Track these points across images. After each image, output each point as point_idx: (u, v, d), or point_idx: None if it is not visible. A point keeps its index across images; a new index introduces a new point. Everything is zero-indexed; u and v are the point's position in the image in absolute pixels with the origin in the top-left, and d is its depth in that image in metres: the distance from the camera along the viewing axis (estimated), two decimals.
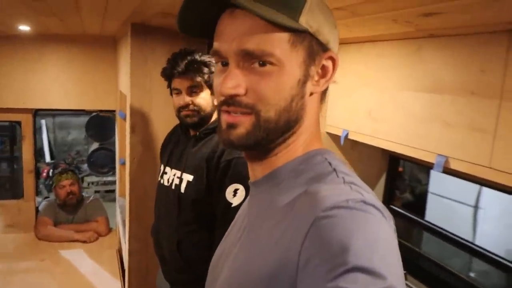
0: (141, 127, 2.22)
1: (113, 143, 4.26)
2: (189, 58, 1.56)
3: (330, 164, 0.66)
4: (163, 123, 2.21)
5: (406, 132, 1.48)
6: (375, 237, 0.51)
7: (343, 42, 1.80)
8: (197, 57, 1.57)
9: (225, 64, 0.65)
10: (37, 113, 3.27)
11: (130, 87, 2.14)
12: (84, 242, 3.11)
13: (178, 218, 1.57)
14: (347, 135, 1.82)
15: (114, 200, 3.80)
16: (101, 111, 3.60)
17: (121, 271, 2.77)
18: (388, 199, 2.26)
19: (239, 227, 0.76)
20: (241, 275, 0.64)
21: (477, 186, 4.04)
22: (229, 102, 0.63)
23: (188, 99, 1.58)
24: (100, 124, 6.30)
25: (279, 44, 0.61)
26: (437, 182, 4.46)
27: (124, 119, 2.76)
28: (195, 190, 1.53)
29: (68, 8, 1.59)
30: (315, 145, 0.70)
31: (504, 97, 1.13)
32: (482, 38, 1.19)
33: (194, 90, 1.58)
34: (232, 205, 1.41)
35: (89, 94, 3.14)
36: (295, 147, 0.68)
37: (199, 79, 1.56)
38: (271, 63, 0.61)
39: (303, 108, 0.66)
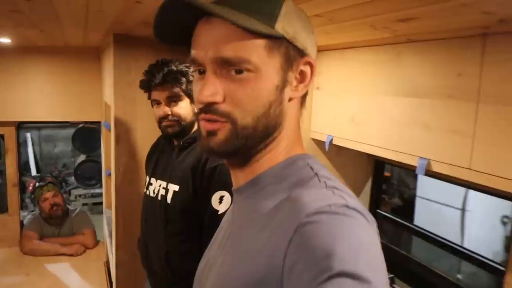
0: (126, 138, 2.21)
1: (100, 155, 4.22)
2: (165, 68, 1.56)
3: (312, 168, 0.66)
4: (148, 133, 2.20)
5: (388, 136, 1.49)
6: (359, 242, 0.51)
7: (324, 49, 1.82)
8: (173, 67, 1.57)
9: (203, 72, 0.65)
10: (21, 126, 3.24)
11: (114, 98, 2.13)
12: (71, 255, 3.07)
13: (165, 229, 1.56)
14: (331, 140, 1.83)
15: (102, 212, 3.76)
16: (86, 122, 3.57)
17: (108, 283, 2.74)
18: (375, 204, 2.27)
19: (223, 235, 0.76)
20: (227, 283, 0.64)
21: (463, 189, 4.09)
22: (206, 110, 0.63)
23: (167, 109, 1.57)
24: (87, 136, 6.24)
25: (255, 51, 0.61)
26: (425, 186, 4.51)
27: (109, 129, 2.74)
28: (181, 200, 1.52)
29: (48, 19, 1.58)
30: (296, 150, 0.70)
31: (480, 100, 1.15)
32: (458, 43, 1.21)
33: (173, 100, 1.58)
34: (219, 212, 1.41)
35: (74, 105, 3.11)
36: (276, 153, 0.68)
37: (176, 89, 1.56)
38: (248, 70, 0.61)
39: (282, 114, 0.66)
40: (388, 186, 5.19)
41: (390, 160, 1.53)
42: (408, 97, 1.40)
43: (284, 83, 0.65)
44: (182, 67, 1.59)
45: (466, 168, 1.19)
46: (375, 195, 2.25)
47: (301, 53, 0.66)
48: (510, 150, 1.07)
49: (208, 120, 0.64)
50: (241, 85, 0.62)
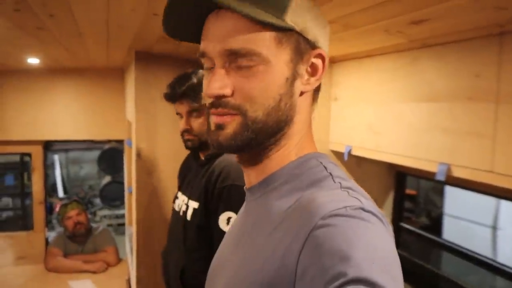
0: (147, 153, 2.24)
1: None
2: (186, 82, 1.56)
3: (325, 168, 0.65)
4: (169, 149, 2.23)
5: (407, 143, 1.47)
6: (374, 247, 0.50)
7: (341, 59, 1.83)
8: (195, 80, 1.57)
9: (212, 68, 0.64)
10: (49, 148, 3.32)
11: (135, 113, 2.18)
12: (94, 272, 3.09)
13: (184, 245, 1.55)
14: (350, 150, 1.81)
15: (125, 233, 3.80)
16: (110, 141, 3.65)
17: None
18: (398, 217, 2.21)
19: (235, 235, 0.75)
20: (239, 282, 0.63)
21: (493, 205, 3.94)
22: (215, 103, 0.63)
23: (187, 123, 1.58)
24: (112, 158, 6.36)
25: (264, 43, 0.60)
26: (453, 203, 4.38)
27: (131, 147, 2.79)
28: (199, 218, 1.50)
29: (72, 36, 1.64)
30: (309, 148, 0.69)
31: (500, 100, 1.12)
32: (473, 44, 1.20)
33: (193, 114, 1.57)
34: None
35: (99, 124, 3.19)
36: (288, 150, 0.67)
37: (196, 104, 1.55)
38: (258, 63, 0.60)
39: (293, 108, 0.65)
40: (414, 205, 5.06)
41: (410, 168, 1.50)
42: (425, 102, 1.38)
43: (294, 76, 0.64)
44: None
45: (488, 171, 1.16)
46: (397, 208, 2.20)
47: (312, 45, 0.65)
48: None
49: (218, 114, 0.64)
50: (250, 78, 0.61)
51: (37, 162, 3.24)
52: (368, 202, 0.56)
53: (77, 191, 6.91)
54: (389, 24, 1.17)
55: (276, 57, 0.61)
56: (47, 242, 3.34)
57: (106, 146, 6.22)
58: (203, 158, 1.60)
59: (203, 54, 0.65)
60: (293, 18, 0.62)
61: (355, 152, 1.79)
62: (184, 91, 1.56)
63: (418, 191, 5.04)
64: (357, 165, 2.08)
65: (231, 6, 0.58)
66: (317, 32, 0.66)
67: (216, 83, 0.62)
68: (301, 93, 0.66)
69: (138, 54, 2.12)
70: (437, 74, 1.34)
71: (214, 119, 0.64)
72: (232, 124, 0.63)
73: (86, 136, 3.23)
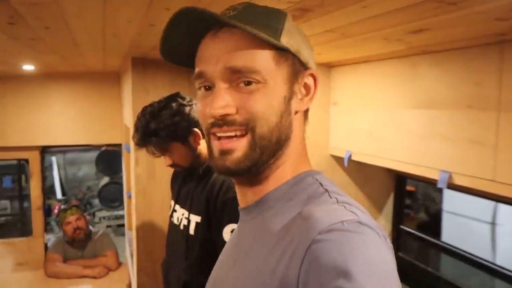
0: (145, 160, 2.22)
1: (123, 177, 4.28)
2: (140, 130, 1.52)
3: (321, 184, 0.65)
4: None
5: (407, 150, 1.46)
6: (371, 261, 0.50)
7: (338, 64, 1.81)
8: (152, 124, 1.49)
9: (209, 88, 0.64)
10: (46, 150, 3.30)
11: (133, 120, 2.16)
12: (94, 277, 3.08)
13: (185, 258, 1.53)
14: (350, 156, 1.80)
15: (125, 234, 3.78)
16: (107, 145, 3.63)
17: None
18: (397, 220, 2.21)
19: (231, 254, 0.74)
20: None
21: (492, 202, 3.95)
22: (220, 123, 0.62)
23: (167, 160, 1.55)
24: (110, 159, 6.34)
25: (265, 61, 0.62)
26: (452, 200, 4.38)
27: (130, 152, 2.77)
28: (203, 232, 1.48)
29: (67, 46, 1.63)
30: (304, 166, 0.69)
31: (502, 109, 1.11)
32: (474, 51, 1.19)
33: (163, 153, 1.54)
34: None
35: (95, 129, 3.17)
36: (285, 170, 0.67)
37: (158, 148, 1.52)
38: (257, 81, 0.61)
39: (291, 127, 0.66)
40: (413, 201, 5.06)
41: (410, 174, 1.49)
42: (425, 109, 1.37)
43: (291, 94, 0.65)
44: (158, 120, 1.50)
45: (489, 180, 1.15)
46: (397, 210, 2.20)
47: (305, 66, 0.67)
48: None
49: (220, 138, 0.63)
50: (251, 96, 0.61)
51: (34, 168, 3.22)
52: (364, 216, 0.57)
53: (75, 192, 6.89)
54: (388, 33, 1.16)
55: (275, 75, 0.63)
56: (46, 247, 3.32)
57: (104, 148, 6.19)
58: (200, 171, 1.58)
59: (201, 75, 0.64)
60: (288, 40, 0.64)
61: (355, 158, 1.78)
62: (140, 142, 1.52)
63: (416, 187, 5.05)
64: (358, 168, 2.07)
65: (237, 25, 0.59)
66: (307, 54, 0.68)
67: (220, 102, 0.61)
68: (296, 112, 0.67)
69: (134, 60, 2.10)
70: (436, 81, 1.33)
71: (218, 145, 0.64)
72: (240, 147, 0.62)
73: (83, 141, 3.21)
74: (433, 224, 4.54)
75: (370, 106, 1.66)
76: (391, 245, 0.58)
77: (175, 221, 1.63)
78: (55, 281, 3.05)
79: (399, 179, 2.19)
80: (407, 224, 2.57)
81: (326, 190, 0.63)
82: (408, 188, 4.51)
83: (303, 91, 0.68)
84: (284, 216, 0.62)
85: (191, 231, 1.51)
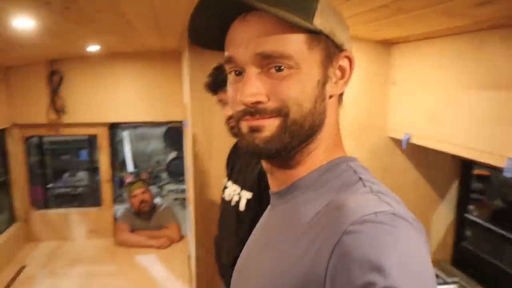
0: (203, 138, 2.27)
1: None
2: (213, 75, 1.55)
3: (355, 172, 0.63)
4: (225, 134, 2.22)
5: (470, 134, 1.34)
6: (406, 255, 0.48)
7: (398, 41, 1.70)
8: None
9: (239, 73, 0.63)
10: (118, 126, 3.47)
11: (191, 99, 2.21)
12: (158, 248, 3.25)
13: (236, 235, 1.55)
14: (409, 139, 1.70)
15: None
16: (169, 122, 3.76)
17: (190, 277, 2.85)
18: (462, 208, 2.07)
19: (260, 238, 0.75)
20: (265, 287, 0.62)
21: None
22: (251, 111, 0.61)
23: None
24: (177, 134, 6.56)
25: (296, 46, 0.59)
26: None
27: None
28: (254, 208, 1.48)
29: (123, 28, 1.68)
30: (337, 152, 0.67)
31: None
32: None
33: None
34: None
35: (158, 106, 3.30)
36: (317, 155, 0.66)
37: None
38: (289, 67, 0.59)
39: (325, 112, 0.64)
40: (487, 187, 4.72)
41: (474, 160, 1.37)
42: (493, 90, 1.24)
43: (325, 79, 0.63)
44: None
45: None
46: (462, 198, 2.05)
47: (340, 48, 0.64)
48: None
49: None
50: (283, 82, 0.59)
51: (103, 143, 3.43)
52: (400, 207, 0.54)
53: (145, 166, 7.25)
54: (449, 7, 1.06)
55: (308, 59, 0.60)
56: (115, 217, 3.56)
57: (169, 125, 6.40)
58: None
59: (231, 60, 0.63)
60: (321, 21, 0.61)
61: (414, 141, 1.68)
62: (222, 85, 1.53)
63: (491, 171, 4.69)
64: (419, 151, 1.95)
65: (266, 9, 0.56)
66: (342, 35, 0.65)
67: (251, 89, 0.60)
68: (330, 96, 0.65)
69: None
70: (506, 59, 1.19)
71: (247, 123, 0.62)
72: (270, 127, 0.61)
73: (147, 118, 3.35)
74: (511, 212, 4.21)
75: (432, 86, 1.54)
76: (426, 239, 0.55)
77: (227, 198, 1.66)
78: (123, 249, 3.27)
79: (466, 164, 2.04)
80: (478, 211, 2.40)
81: (360, 178, 0.61)
82: (480, 172, 4.21)
83: (338, 74, 0.65)
84: (315, 204, 0.61)
85: (242, 207, 1.52)
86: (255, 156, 0.65)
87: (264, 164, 0.70)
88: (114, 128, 3.58)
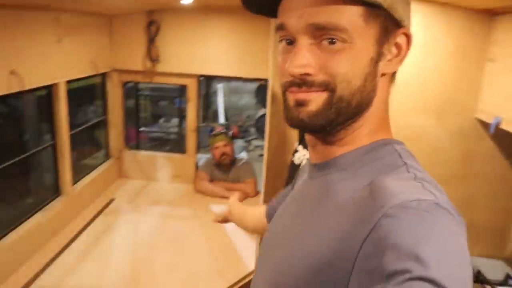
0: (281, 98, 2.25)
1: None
2: None
3: (400, 156, 0.61)
4: None
5: None
6: (445, 247, 0.47)
7: (503, 12, 1.48)
8: None
9: (290, 42, 0.61)
10: (213, 78, 3.58)
11: (272, 57, 2.19)
12: None
13: None
14: (498, 123, 1.52)
15: None
16: (256, 79, 3.79)
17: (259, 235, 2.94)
18: None
19: (292, 208, 0.75)
20: (292, 260, 0.62)
21: None
22: (299, 83, 0.60)
23: None
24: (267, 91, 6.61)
25: (352, 19, 0.57)
26: None
27: None
28: None
29: None
30: (382, 133, 0.65)
31: None
32: None
33: None
34: None
35: (247, 62, 3.34)
36: (361, 134, 0.64)
37: None
38: (343, 40, 0.57)
39: (375, 90, 0.62)
40: None
41: None
42: None
43: (379, 56, 0.60)
44: None
45: None
46: None
47: (398, 24, 0.61)
48: None
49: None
50: (336, 55, 0.57)
51: (192, 94, 3.59)
52: (443, 197, 0.52)
53: (236, 119, 7.47)
54: None
55: (363, 34, 0.58)
56: (197, 166, 3.77)
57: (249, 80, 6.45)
58: None
59: (283, 27, 0.61)
60: None
61: (504, 126, 1.49)
62: None
63: None
64: (510, 139, 1.74)
65: None
66: (403, 11, 0.61)
67: (301, 60, 0.59)
68: (382, 74, 0.62)
69: None
70: None
71: (292, 96, 0.61)
72: (316, 101, 0.60)
73: (235, 73, 3.42)
74: None
75: None
76: (466, 234, 0.52)
77: (296, 161, 1.67)
78: (200, 196, 3.49)
79: None
80: None
81: (405, 163, 0.59)
82: None
83: (394, 51, 0.62)
84: (354, 182, 0.60)
85: None
86: (299, 129, 0.65)
87: (307, 136, 0.70)
88: (210, 79, 3.72)
